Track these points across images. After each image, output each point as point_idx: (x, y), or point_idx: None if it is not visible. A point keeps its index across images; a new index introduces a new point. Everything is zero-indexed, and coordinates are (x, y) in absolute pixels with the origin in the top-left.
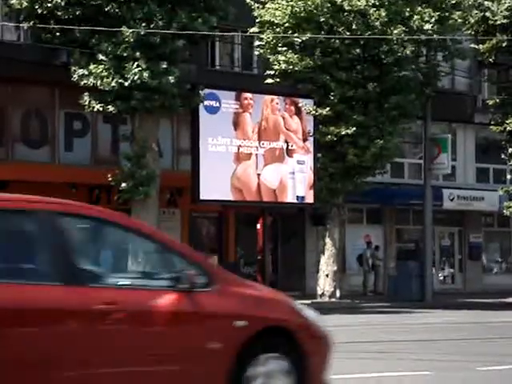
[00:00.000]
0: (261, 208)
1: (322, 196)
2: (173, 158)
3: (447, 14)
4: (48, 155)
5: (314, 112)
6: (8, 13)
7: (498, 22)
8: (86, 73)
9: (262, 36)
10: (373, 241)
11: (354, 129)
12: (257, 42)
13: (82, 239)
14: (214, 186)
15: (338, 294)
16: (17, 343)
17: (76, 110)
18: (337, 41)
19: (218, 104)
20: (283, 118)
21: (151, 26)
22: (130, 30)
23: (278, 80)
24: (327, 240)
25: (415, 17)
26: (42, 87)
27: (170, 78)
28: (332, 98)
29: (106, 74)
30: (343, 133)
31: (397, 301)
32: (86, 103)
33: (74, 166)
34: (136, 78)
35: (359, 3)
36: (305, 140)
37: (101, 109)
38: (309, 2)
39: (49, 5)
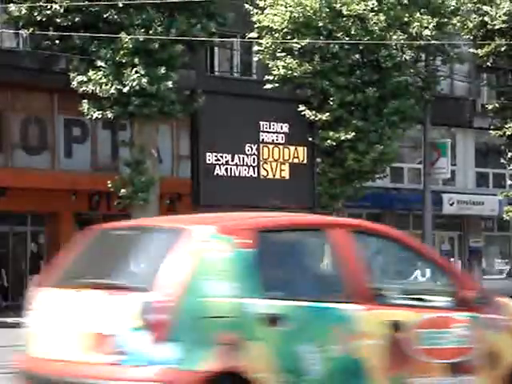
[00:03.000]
0: None
1: (321, 201)
2: (172, 163)
3: (446, 19)
4: (47, 161)
5: (313, 117)
6: (7, 20)
7: (497, 27)
8: (85, 79)
9: (260, 41)
10: None
11: (354, 134)
12: (256, 48)
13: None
14: (214, 190)
15: None
16: None
17: (75, 116)
18: (336, 46)
19: None
20: None
21: (150, 32)
22: (129, 37)
23: (277, 85)
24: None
25: (414, 23)
26: (41, 93)
27: (169, 83)
28: (331, 103)
29: (104, 80)
30: (342, 138)
31: None
32: (85, 110)
33: (73, 172)
34: (135, 84)
35: (358, 8)
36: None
37: (99, 116)
38: (307, 8)
39: (48, 12)
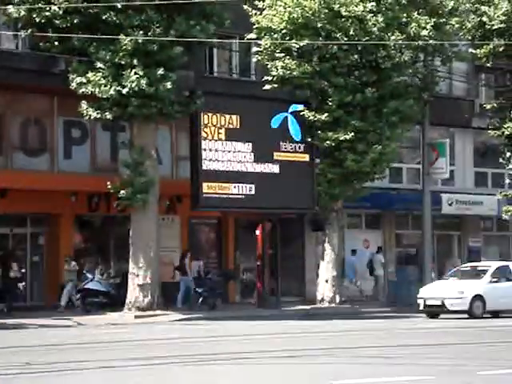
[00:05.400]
0: (260, 214)
1: (321, 201)
2: (172, 164)
3: (444, 19)
4: (47, 163)
5: (312, 118)
6: (6, 21)
7: (495, 27)
8: (85, 81)
9: (259, 42)
10: (371, 246)
11: (353, 134)
12: (254, 49)
13: None
14: (214, 191)
15: (337, 299)
16: None
17: (75, 117)
18: (334, 47)
19: None
20: None
21: (149, 33)
22: (128, 38)
23: (275, 86)
24: (326, 245)
25: (412, 24)
26: (41, 95)
27: (168, 84)
28: (330, 103)
29: (104, 81)
30: (342, 138)
31: (396, 306)
32: (84, 111)
33: (73, 174)
34: (134, 85)
35: (356, 9)
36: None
37: (98, 116)
38: (306, 8)
39: (47, 13)
